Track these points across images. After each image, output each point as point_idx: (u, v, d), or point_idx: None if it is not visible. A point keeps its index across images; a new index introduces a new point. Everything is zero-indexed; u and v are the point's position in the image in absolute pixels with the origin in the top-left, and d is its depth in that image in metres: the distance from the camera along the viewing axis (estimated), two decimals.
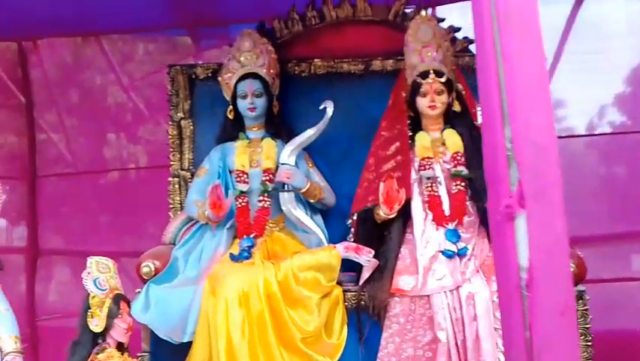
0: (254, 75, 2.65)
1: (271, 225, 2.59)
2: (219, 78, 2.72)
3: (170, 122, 2.93)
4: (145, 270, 2.53)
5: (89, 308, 2.10)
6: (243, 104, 2.65)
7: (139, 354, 2.45)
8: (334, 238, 2.63)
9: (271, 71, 2.70)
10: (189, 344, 2.44)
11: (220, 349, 2.25)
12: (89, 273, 2.14)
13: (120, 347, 2.13)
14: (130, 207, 3.92)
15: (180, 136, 2.93)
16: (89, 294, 2.12)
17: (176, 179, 2.92)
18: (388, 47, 2.83)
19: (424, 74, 2.53)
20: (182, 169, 2.92)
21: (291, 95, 2.84)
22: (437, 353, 2.31)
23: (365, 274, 2.45)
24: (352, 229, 2.60)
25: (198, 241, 2.64)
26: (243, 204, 2.57)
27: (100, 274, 2.15)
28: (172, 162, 2.93)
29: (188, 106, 2.93)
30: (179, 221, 2.78)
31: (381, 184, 2.41)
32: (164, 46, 4.27)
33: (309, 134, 2.57)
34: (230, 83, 2.66)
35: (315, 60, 2.85)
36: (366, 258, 2.36)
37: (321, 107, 2.59)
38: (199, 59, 4.12)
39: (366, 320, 2.42)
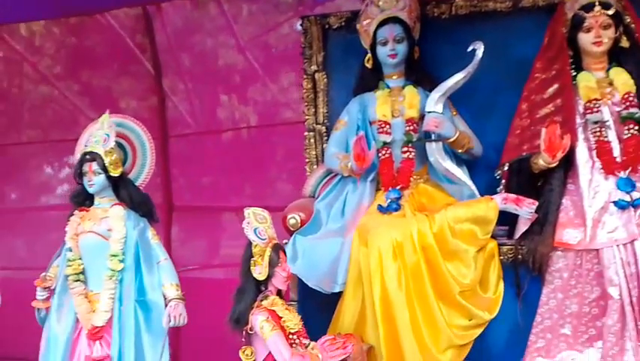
0: (394, 20, 2.52)
1: (415, 176, 2.50)
2: (357, 25, 2.61)
3: (304, 76, 2.89)
4: (291, 222, 2.55)
5: (252, 257, 2.15)
6: (383, 51, 2.54)
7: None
8: (480, 191, 2.49)
9: (412, 14, 2.55)
10: (337, 295, 2.45)
11: (375, 299, 2.23)
12: (248, 223, 2.17)
13: (279, 294, 2.17)
14: (254, 164, 3.98)
15: (314, 89, 2.88)
16: (250, 243, 2.16)
17: (311, 133, 2.89)
18: None
19: (589, 7, 2.27)
20: (317, 123, 2.89)
21: (430, 39, 2.68)
22: (607, 310, 2.14)
23: (522, 228, 2.30)
24: (503, 181, 2.44)
25: (340, 194, 2.61)
26: (387, 155, 2.49)
27: (258, 224, 2.18)
28: (307, 117, 2.90)
29: (321, 58, 2.87)
30: (318, 174, 2.77)
31: (543, 130, 2.22)
32: (267, 6, 4.21)
33: (457, 78, 2.42)
34: (370, 30, 2.55)
35: (457, 0, 2.67)
36: (529, 210, 2.21)
37: (470, 48, 2.42)
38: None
39: (524, 274, 2.29)
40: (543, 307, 2.26)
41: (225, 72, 4.25)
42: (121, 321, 2.41)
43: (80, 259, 2.46)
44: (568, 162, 2.30)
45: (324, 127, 2.87)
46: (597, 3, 2.25)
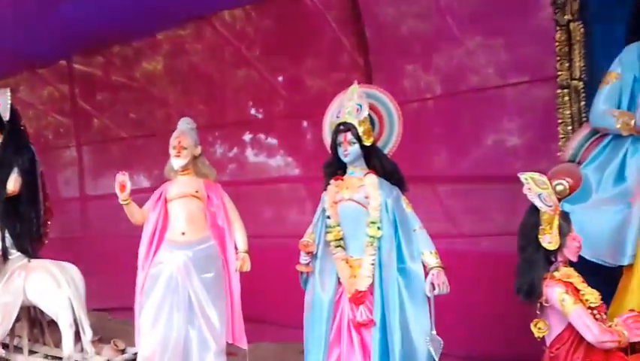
0: None
1: None
2: None
3: (557, 27, 2.62)
4: (559, 188, 2.35)
5: (539, 225, 2.01)
6: None
7: None
8: None
9: None
10: (613, 268, 2.22)
11: None
12: (529, 189, 2.03)
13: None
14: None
15: (569, 41, 2.61)
16: (533, 210, 2.02)
17: (565, 90, 2.63)
18: None
19: None
20: (572, 79, 2.61)
21: None
22: None
23: None
24: None
25: (613, 157, 2.35)
26: None
27: (541, 190, 2.03)
28: (559, 72, 2.63)
29: (577, 6, 2.57)
30: (581, 136, 2.51)
31: None
32: None
33: None
34: None
35: None
36: None
37: None
38: None
39: None
40: None
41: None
42: (382, 287, 2.42)
43: (339, 225, 2.53)
44: None
45: (581, 83, 2.59)
46: None
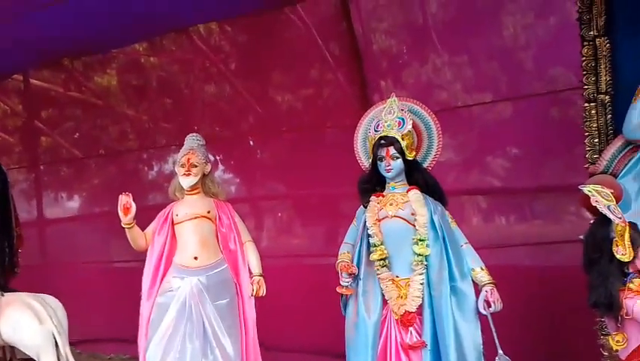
0: None
1: None
2: None
3: (583, 42, 2.68)
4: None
5: (611, 237, 1.99)
6: None
7: None
8: None
9: None
10: None
11: None
12: (597, 201, 2.01)
13: None
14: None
15: (595, 56, 2.66)
16: (604, 221, 2.00)
17: (592, 104, 2.68)
18: None
19: None
20: (599, 92, 2.67)
21: None
22: None
23: None
24: None
25: None
26: None
27: (608, 202, 2.02)
28: (586, 86, 2.68)
29: (603, 22, 2.64)
30: (614, 148, 2.55)
31: None
32: None
33: None
34: None
35: None
36: None
37: None
38: None
39: None
40: None
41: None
42: (433, 307, 2.33)
43: (383, 244, 2.41)
44: None
45: (607, 96, 2.65)
46: None
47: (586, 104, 2.69)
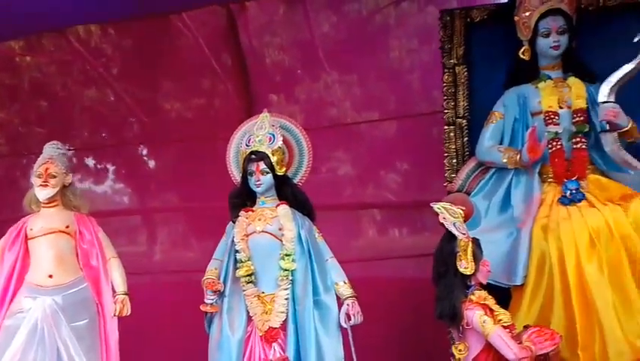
0: (555, 11, 2.53)
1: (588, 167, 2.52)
2: (515, 18, 2.61)
3: (444, 69, 2.88)
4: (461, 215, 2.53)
5: (456, 252, 2.13)
6: (545, 43, 2.55)
7: None
8: None
9: (572, 5, 2.57)
10: (505, 288, 2.46)
11: (571, 287, 2.26)
12: (444, 218, 2.15)
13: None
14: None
15: (455, 83, 2.87)
16: (449, 238, 2.14)
17: (451, 127, 2.88)
18: None
19: None
20: (457, 117, 2.88)
21: (579, 31, 2.70)
22: None
23: None
24: None
25: (498, 186, 2.62)
26: (558, 147, 2.50)
27: (454, 219, 2.17)
28: (446, 110, 2.88)
29: (462, 51, 2.85)
30: (469, 168, 2.75)
31: None
32: None
33: (627, 69, 2.44)
34: (531, 22, 2.55)
35: None
36: None
37: (636, 39, 2.44)
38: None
39: None
40: None
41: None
42: (297, 322, 2.35)
43: (250, 260, 2.40)
44: None
45: (464, 120, 2.87)
46: None
47: (445, 127, 2.89)
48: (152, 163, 4.66)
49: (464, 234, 2.14)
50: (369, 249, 3.90)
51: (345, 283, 2.42)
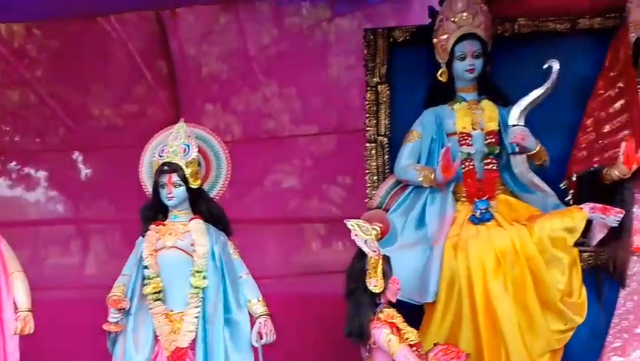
0: (472, 36, 2.60)
1: (499, 187, 2.59)
2: (434, 40, 2.67)
3: (367, 88, 2.90)
4: (373, 233, 2.54)
5: (366, 269, 2.12)
6: (461, 66, 2.62)
7: None
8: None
9: (487, 31, 2.65)
10: (416, 306, 2.48)
11: (478, 306, 2.30)
12: (356, 235, 2.15)
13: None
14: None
15: (377, 101, 2.90)
16: (360, 256, 2.14)
17: (372, 144, 2.90)
18: (594, 4, 2.78)
19: None
20: (378, 134, 2.90)
21: (494, 55, 2.80)
22: None
23: (598, 235, 2.46)
24: (571, 191, 2.60)
25: (414, 204, 2.65)
26: (470, 167, 2.56)
27: (366, 236, 2.16)
28: (368, 128, 2.90)
29: (384, 70, 2.89)
30: (387, 185, 2.78)
31: (623, 144, 2.40)
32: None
33: (536, 94, 2.53)
34: (447, 45, 2.62)
35: (520, 19, 2.80)
36: (616, 218, 2.36)
37: (546, 65, 2.55)
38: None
39: (603, 279, 2.45)
40: (620, 309, 2.42)
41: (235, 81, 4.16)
42: (206, 341, 2.28)
43: (158, 276, 2.31)
44: (635, 174, 2.50)
45: (385, 138, 2.90)
46: None
47: (367, 145, 2.91)
48: (84, 171, 4.49)
49: (375, 251, 2.14)
50: (312, 263, 3.91)
51: (258, 300, 2.37)
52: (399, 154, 2.75)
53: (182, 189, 2.35)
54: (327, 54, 4.05)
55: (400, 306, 2.43)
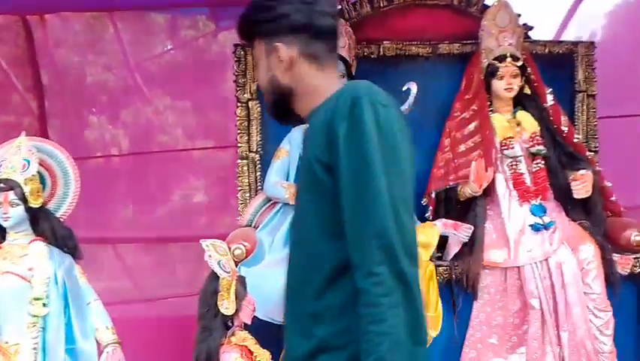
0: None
1: None
2: None
3: (238, 104, 2.87)
4: (237, 252, 2.49)
5: (217, 291, 2.05)
6: None
7: None
8: None
9: (351, 52, 2.71)
10: (281, 327, 2.45)
11: None
12: (210, 256, 2.08)
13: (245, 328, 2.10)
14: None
15: (248, 118, 2.87)
16: (212, 277, 2.07)
17: (244, 161, 2.87)
18: (454, 30, 2.93)
19: (501, 58, 2.66)
20: (250, 151, 2.87)
21: (360, 76, 2.86)
22: (529, 319, 2.48)
23: (453, 250, 2.56)
24: (430, 208, 2.70)
25: (282, 222, 2.63)
26: None
27: (221, 257, 2.10)
28: (240, 144, 2.87)
29: (255, 87, 2.87)
30: (257, 203, 2.75)
31: (473, 163, 2.53)
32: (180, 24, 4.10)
33: None
34: None
35: (385, 42, 2.89)
36: (466, 233, 2.47)
37: (404, 88, 2.65)
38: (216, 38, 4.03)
39: (458, 292, 2.55)
40: (474, 320, 2.53)
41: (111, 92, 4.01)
42: None
43: None
44: (487, 191, 2.64)
45: (257, 155, 2.87)
46: (509, 55, 2.64)
47: (239, 161, 2.88)
48: None
49: (228, 272, 2.10)
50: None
51: (107, 328, 2.23)
52: (268, 171, 2.74)
53: (21, 208, 2.17)
54: (226, 68, 4.01)
55: (269, 326, 2.41)
